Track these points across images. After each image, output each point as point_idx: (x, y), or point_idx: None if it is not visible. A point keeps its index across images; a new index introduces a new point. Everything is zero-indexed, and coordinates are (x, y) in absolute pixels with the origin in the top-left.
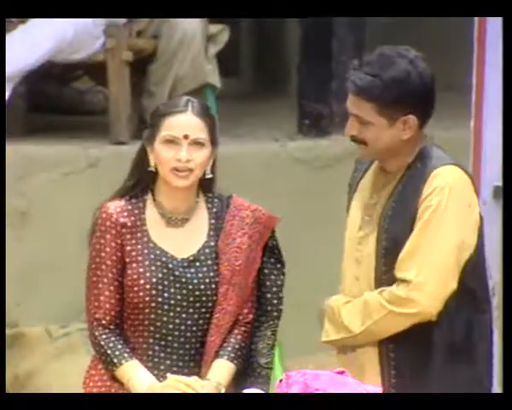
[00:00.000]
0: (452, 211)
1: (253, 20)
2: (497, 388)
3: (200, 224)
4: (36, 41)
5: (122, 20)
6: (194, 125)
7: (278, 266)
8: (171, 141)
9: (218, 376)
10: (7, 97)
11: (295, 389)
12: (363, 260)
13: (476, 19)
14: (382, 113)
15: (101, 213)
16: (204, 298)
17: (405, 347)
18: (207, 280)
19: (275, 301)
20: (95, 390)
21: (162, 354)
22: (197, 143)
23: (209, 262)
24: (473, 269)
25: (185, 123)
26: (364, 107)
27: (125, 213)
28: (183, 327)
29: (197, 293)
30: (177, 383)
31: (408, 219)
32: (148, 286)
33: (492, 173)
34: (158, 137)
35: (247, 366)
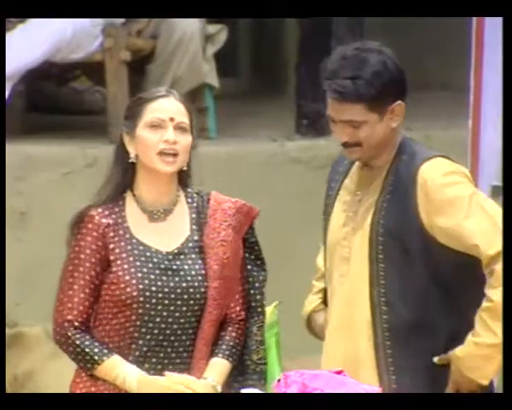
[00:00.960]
0: (467, 189)
1: (251, 20)
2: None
3: (182, 218)
4: (34, 41)
5: (120, 20)
6: (178, 109)
7: (258, 262)
8: (157, 125)
9: (214, 375)
10: (6, 97)
11: (293, 389)
12: (352, 257)
13: (474, 19)
14: (372, 109)
15: (82, 215)
16: (191, 290)
17: (402, 345)
18: (193, 273)
19: (258, 297)
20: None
21: (145, 349)
22: (181, 128)
23: (193, 256)
24: None
25: (170, 107)
26: (354, 109)
27: (107, 213)
28: (170, 320)
29: (184, 285)
30: (175, 385)
31: (404, 211)
32: (134, 281)
33: (490, 173)
34: (140, 123)
35: (240, 364)
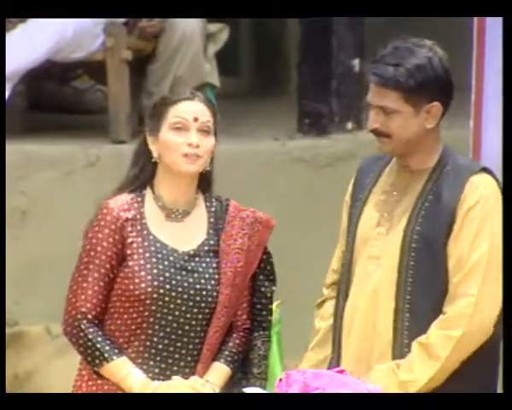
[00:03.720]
0: (497, 223)
1: (252, 19)
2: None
3: (200, 220)
4: (35, 40)
5: (121, 20)
6: (202, 110)
7: (271, 277)
8: (180, 127)
9: (215, 378)
10: (6, 97)
11: (295, 389)
12: (382, 256)
13: (475, 19)
14: (408, 100)
15: (101, 208)
16: (204, 292)
17: None
18: (207, 276)
19: (264, 313)
20: (84, 390)
21: (160, 346)
22: (204, 130)
23: (207, 260)
24: None
25: (194, 108)
26: (390, 96)
27: (126, 207)
28: (181, 320)
29: (198, 286)
30: (182, 387)
31: (443, 224)
32: (149, 277)
33: None
34: (164, 124)
35: (242, 377)
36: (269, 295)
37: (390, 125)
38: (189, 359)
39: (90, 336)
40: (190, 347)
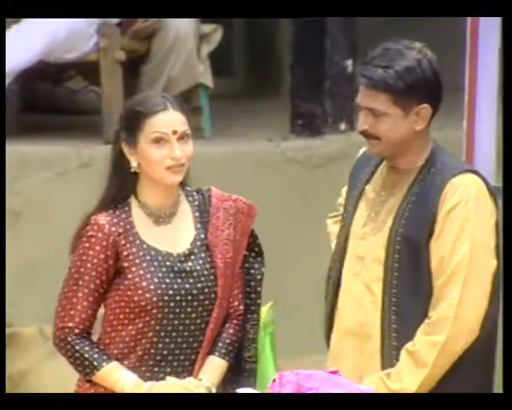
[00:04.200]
0: (479, 224)
1: (246, 19)
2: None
3: (186, 218)
4: (29, 41)
5: (115, 20)
6: (178, 119)
7: (259, 259)
8: (160, 140)
9: (210, 375)
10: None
11: (288, 389)
12: (367, 257)
13: (469, 19)
14: (397, 103)
15: (91, 225)
16: (206, 290)
17: None
18: (206, 272)
19: (253, 296)
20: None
21: (165, 352)
22: (184, 137)
23: (202, 255)
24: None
25: (170, 119)
26: (379, 98)
27: (115, 220)
28: (187, 321)
29: (199, 285)
30: (176, 387)
31: (425, 225)
32: (152, 287)
33: (485, 173)
34: (142, 138)
35: (232, 361)
36: (258, 277)
37: (379, 127)
38: (194, 357)
39: (77, 347)
40: (195, 345)
